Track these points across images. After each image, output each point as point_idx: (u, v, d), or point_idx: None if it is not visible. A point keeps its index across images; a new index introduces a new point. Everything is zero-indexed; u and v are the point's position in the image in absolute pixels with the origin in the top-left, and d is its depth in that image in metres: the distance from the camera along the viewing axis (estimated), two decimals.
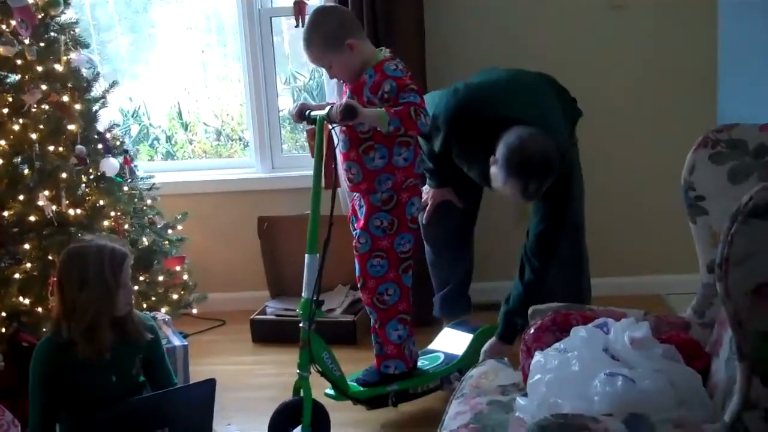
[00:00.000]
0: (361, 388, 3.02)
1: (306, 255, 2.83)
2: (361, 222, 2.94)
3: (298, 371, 2.84)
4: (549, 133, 2.86)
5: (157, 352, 2.72)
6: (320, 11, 2.96)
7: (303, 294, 2.83)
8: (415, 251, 3.07)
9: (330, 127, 2.83)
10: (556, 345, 1.93)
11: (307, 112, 2.89)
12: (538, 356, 1.93)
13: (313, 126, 2.86)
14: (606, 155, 3.95)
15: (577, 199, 3.24)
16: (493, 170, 2.85)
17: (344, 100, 2.77)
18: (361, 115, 2.69)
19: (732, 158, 2.07)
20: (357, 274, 3.00)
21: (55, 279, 2.98)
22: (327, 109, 2.79)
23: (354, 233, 3.02)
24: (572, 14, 3.99)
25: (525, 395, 1.95)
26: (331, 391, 2.98)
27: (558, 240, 3.03)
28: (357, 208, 3.03)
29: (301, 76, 4.98)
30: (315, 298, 2.82)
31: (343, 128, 2.88)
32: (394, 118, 2.70)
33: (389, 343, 3.00)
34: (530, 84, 3.15)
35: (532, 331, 2.10)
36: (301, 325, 2.85)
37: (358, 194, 3.01)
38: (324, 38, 2.82)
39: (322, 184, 2.87)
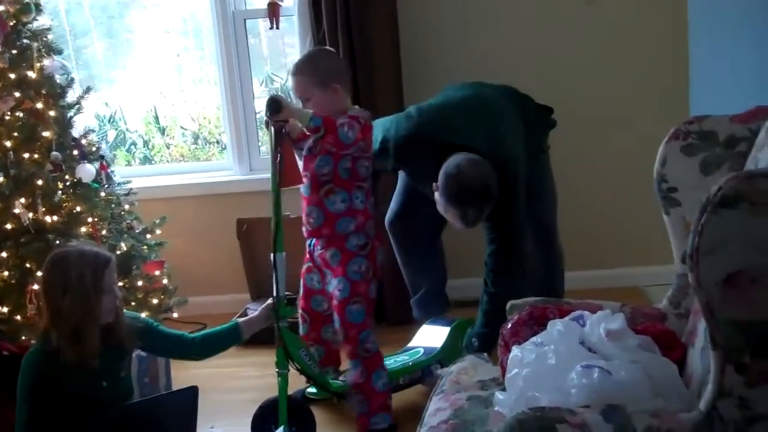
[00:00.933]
0: (341, 383, 3.03)
1: (274, 254, 2.85)
2: (339, 269, 2.90)
3: (276, 369, 2.85)
4: (500, 153, 2.93)
5: (158, 343, 2.76)
6: (322, 50, 3.13)
7: (273, 293, 2.87)
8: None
9: (268, 124, 2.83)
10: (533, 339, 1.95)
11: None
12: (515, 351, 1.94)
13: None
14: (581, 149, 3.98)
15: (549, 202, 3.29)
16: (436, 196, 2.90)
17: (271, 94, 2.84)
18: (286, 109, 2.73)
19: (703, 149, 2.10)
20: (336, 326, 2.94)
21: (34, 287, 2.98)
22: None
23: (317, 288, 3.02)
24: (547, 11, 4.01)
25: (504, 390, 1.96)
26: (312, 389, 2.98)
27: (511, 261, 3.08)
28: (321, 260, 2.98)
29: (277, 77, 4.97)
30: (278, 295, 2.85)
31: (306, 172, 2.91)
32: (318, 117, 2.70)
33: (375, 393, 2.92)
34: (488, 101, 3.19)
35: (509, 325, 2.11)
36: (272, 323, 2.87)
37: (319, 245, 2.97)
38: (316, 72, 2.85)
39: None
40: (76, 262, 2.49)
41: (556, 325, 1.95)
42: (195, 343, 2.81)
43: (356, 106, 2.98)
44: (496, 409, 1.94)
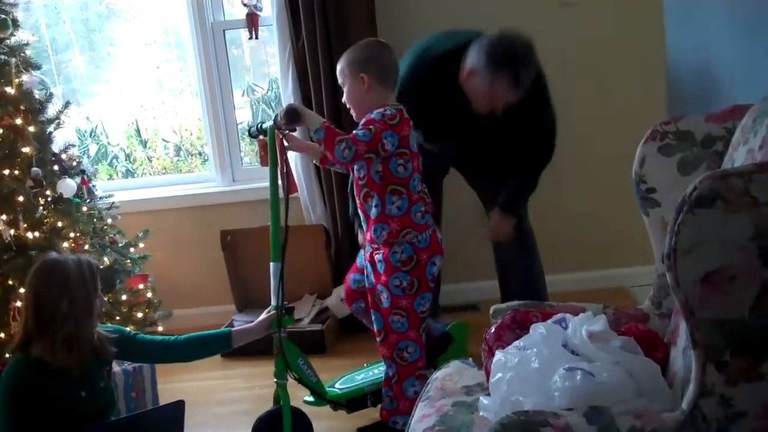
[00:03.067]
0: (338, 391, 3.02)
1: (271, 263, 2.83)
2: (382, 277, 2.84)
3: (275, 379, 2.84)
4: None
5: (136, 349, 2.75)
6: (365, 40, 2.97)
7: (271, 302, 2.85)
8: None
9: (281, 135, 2.83)
10: (516, 343, 1.95)
11: (258, 125, 2.90)
12: (498, 355, 1.95)
13: (265, 137, 2.86)
14: (563, 151, 3.96)
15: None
16: (473, 82, 2.80)
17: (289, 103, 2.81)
18: (303, 118, 2.72)
19: (680, 150, 2.11)
20: (378, 327, 2.91)
21: (17, 304, 2.95)
22: (274, 116, 2.82)
23: (366, 282, 2.95)
24: (525, 14, 4.01)
25: (488, 395, 1.96)
26: (309, 398, 2.97)
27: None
28: (375, 257, 2.88)
29: (259, 87, 4.97)
30: (280, 305, 2.82)
31: (352, 175, 2.86)
32: (322, 129, 2.65)
33: (404, 398, 2.89)
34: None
35: (492, 330, 2.11)
36: (273, 332, 2.85)
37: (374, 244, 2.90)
38: (348, 60, 2.81)
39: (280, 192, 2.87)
40: (74, 265, 2.51)
41: (538, 329, 1.95)
42: (178, 345, 2.80)
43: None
44: (481, 414, 1.94)
